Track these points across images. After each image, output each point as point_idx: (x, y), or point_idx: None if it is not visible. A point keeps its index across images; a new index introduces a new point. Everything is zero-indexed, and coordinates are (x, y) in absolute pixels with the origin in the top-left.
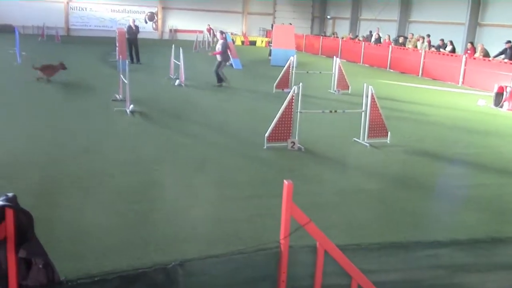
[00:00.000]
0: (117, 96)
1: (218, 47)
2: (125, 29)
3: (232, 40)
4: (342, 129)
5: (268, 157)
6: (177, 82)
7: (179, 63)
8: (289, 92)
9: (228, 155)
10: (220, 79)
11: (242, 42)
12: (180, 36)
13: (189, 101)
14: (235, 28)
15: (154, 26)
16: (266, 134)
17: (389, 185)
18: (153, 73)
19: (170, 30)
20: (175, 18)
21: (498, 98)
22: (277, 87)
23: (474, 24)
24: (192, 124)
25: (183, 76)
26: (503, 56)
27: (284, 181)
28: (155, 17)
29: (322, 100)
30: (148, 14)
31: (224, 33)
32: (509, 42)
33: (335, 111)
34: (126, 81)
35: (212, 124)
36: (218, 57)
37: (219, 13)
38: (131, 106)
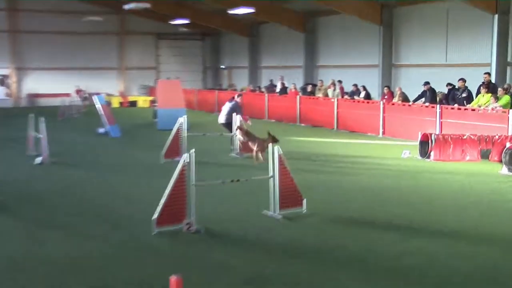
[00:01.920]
0: None
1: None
2: None
3: (107, 102)
4: (249, 201)
5: (158, 246)
6: (38, 160)
7: (40, 135)
8: (179, 162)
9: (108, 250)
10: None
11: (121, 104)
12: (43, 102)
13: (56, 182)
14: (110, 87)
15: (7, 92)
16: (154, 217)
17: (306, 266)
18: (6, 151)
19: (28, 96)
20: (34, 80)
21: (424, 147)
22: (166, 156)
23: (388, 65)
24: (60, 213)
25: (46, 152)
26: (423, 99)
27: (171, 277)
28: (8, 81)
29: (223, 168)
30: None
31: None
32: (427, 83)
33: (237, 180)
34: None
35: (87, 210)
36: None
37: (90, 71)
38: None
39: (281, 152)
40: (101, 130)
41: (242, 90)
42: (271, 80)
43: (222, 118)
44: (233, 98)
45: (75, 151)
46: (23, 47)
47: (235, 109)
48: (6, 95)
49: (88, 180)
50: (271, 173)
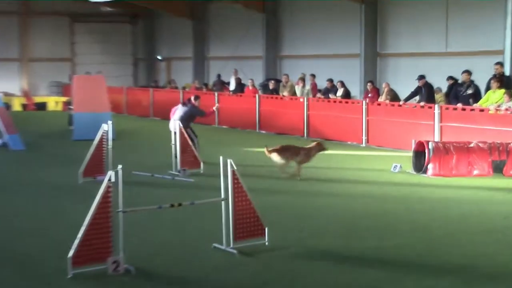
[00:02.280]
0: None
1: None
2: None
3: (6, 104)
4: (194, 232)
5: None
6: None
7: None
8: (103, 181)
9: None
10: None
11: (24, 106)
12: None
13: None
14: (10, 84)
15: None
16: (70, 255)
17: None
18: None
19: None
20: None
21: (419, 159)
22: (85, 174)
23: (372, 54)
24: None
25: None
26: (417, 98)
27: None
28: None
29: (161, 189)
30: None
31: None
32: (422, 77)
33: (179, 205)
34: None
35: None
36: None
37: None
38: None
39: (235, 168)
40: None
41: (184, 88)
42: (218, 75)
43: (175, 126)
44: (189, 100)
45: None
46: None
47: (193, 114)
48: None
49: None
50: (223, 195)
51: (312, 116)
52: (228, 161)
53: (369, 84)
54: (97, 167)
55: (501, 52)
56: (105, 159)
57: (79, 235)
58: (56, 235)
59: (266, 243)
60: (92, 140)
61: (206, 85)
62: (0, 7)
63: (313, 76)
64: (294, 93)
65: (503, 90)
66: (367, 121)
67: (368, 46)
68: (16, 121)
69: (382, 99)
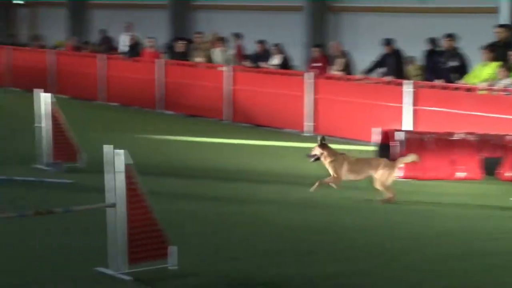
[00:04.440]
0: None
1: None
2: None
3: None
4: (70, 250)
5: None
6: None
7: None
8: None
9: None
10: None
11: None
12: None
13: None
14: None
15: None
16: None
17: None
18: None
19: None
20: None
21: (385, 154)
22: None
23: (321, 8)
24: None
25: None
26: (382, 70)
27: None
28: None
29: (22, 188)
30: None
31: None
32: (389, 42)
33: (50, 212)
34: None
35: None
36: None
37: None
38: None
39: (131, 162)
40: None
41: (56, 47)
42: (103, 31)
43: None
44: None
45: None
46: None
47: None
48: None
49: None
50: (110, 200)
51: (237, 92)
52: (119, 152)
53: (316, 49)
54: None
55: (495, 10)
56: None
57: None
58: None
59: (171, 267)
60: None
61: (87, 43)
62: None
63: (238, 36)
64: (211, 59)
65: (497, 63)
66: (315, 101)
67: None
68: None
69: (334, 70)
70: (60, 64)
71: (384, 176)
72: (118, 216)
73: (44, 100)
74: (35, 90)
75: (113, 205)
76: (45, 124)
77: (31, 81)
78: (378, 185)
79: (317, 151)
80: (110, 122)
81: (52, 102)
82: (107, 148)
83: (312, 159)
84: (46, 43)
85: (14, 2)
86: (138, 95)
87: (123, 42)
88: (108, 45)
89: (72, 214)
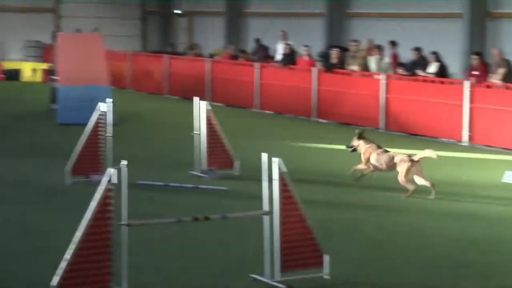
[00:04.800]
0: None
1: None
2: None
3: None
4: (225, 256)
5: None
6: None
7: None
8: (99, 183)
9: None
10: None
11: None
12: None
13: None
14: None
15: None
16: (54, 283)
17: None
18: None
19: None
20: None
21: None
22: (74, 172)
23: (478, 14)
24: None
25: None
26: None
27: None
28: None
29: (180, 195)
30: None
31: None
32: None
33: (206, 218)
34: None
35: None
36: None
37: None
38: None
39: (285, 170)
40: None
41: (213, 55)
42: (257, 40)
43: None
44: None
45: None
46: None
47: None
48: None
49: None
50: (266, 207)
51: (391, 100)
52: (274, 160)
53: (475, 57)
54: (91, 163)
55: None
56: (103, 153)
57: (67, 256)
58: (36, 257)
59: (325, 277)
60: (84, 124)
61: (243, 52)
62: None
63: (394, 43)
64: (366, 68)
65: None
66: (471, 110)
67: (476, 3)
68: None
69: (494, 79)
70: (216, 73)
71: (404, 171)
72: (273, 223)
73: (201, 108)
74: (194, 98)
75: (269, 213)
76: (201, 131)
77: (187, 89)
78: (400, 179)
79: (355, 142)
80: (264, 130)
81: (208, 110)
82: (264, 156)
83: (351, 149)
84: (203, 51)
85: (174, 12)
86: (293, 103)
87: (279, 50)
88: (263, 54)
89: (228, 220)
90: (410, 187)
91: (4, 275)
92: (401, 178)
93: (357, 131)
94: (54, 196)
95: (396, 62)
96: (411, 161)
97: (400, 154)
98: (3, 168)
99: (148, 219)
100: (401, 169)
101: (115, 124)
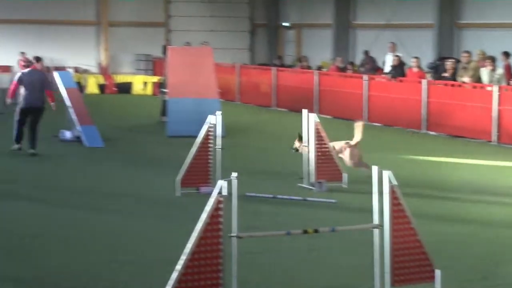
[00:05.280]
0: None
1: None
2: None
3: (78, 84)
4: (335, 269)
5: None
6: None
7: None
8: (210, 195)
9: None
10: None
11: (101, 88)
12: None
13: None
14: (83, 57)
15: None
16: None
17: None
18: None
19: None
20: None
21: None
22: (184, 183)
23: None
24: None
25: None
26: None
27: None
28: None
29: (288, 207)
30: None
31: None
32: None
33: (315, 231)
34: None
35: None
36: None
37: (45, 26)
38: None
39: (395, 183)
40: (67, 134)
41: (321, 68)
42: (366, 52)
43: (31, 101)
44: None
45: (20, 171)
46: None
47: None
48: None
49: (46, 225)
50: (376, 221)
51: (505, 113)
52: (385, 173)
53: None
54: (200, 174)
55: None
56: (212, 165)
57: (178, 267)
58: (147, 267)
59: None
60: (194, 137)
61: (351, 64)
62: None
63: (508, 54)
64: (479, 79)
65: None
66: None
67: None
68: (92, 108)
69: None
70: (324, 85)
71: (348, 155)
72: (383, 237)
73: (309, 120)
74: (303, 110)
75: (379, 226)
76: (310, 143)
77: (294, 102)
78: (349, 164)
79: (297, 144)
80: (372, 143)
81: (317, 122)
82: (374, 169)
83: (294, 151)
84: (310, 64)
85: (282, 24)
86: (401, 116)
87: (388, 62)
88: (371, 65)
89: (338, 233)
90: (362, 166)
91: (115, 284)
92: (349, 162)
93: (298, 132)
94: (165, 207)
95: (510, 74)
96: (350, 146)
97: (338, 142)
98: (115, 179)
99: (256, 231)
100: (345, 155)
101: (223, 136)
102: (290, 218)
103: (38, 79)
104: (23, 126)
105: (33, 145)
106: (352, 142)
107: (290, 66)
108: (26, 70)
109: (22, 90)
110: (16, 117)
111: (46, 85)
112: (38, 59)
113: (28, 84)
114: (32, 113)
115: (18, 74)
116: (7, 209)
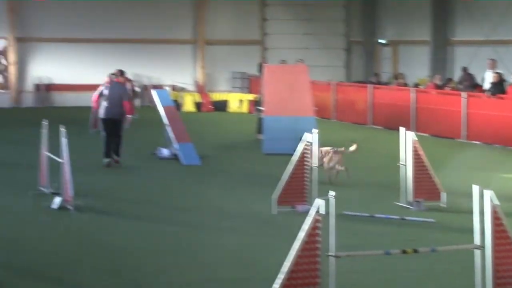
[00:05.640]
0: None
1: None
2: None
3: (175, 102)
4: None
5: None
6: (57, 201)
7: (61, 160)
8: (306, 213)
9: None
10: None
11: (198, 106)
12: (62, 99)
13: (88, 247)
14: (180, 75)
15: (0, 79)
16: None
17: None
18: (2, 185)
19: (38, 88)
20: (49, 60)
21: None
22: (280, 201)
23: None
24: None
25: (69, 190)
26: None
27: None
28: (1, 61)
29: (384, 226)
30: None
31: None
32: None
33: (414, 251)
34: None
35: None
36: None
37: (142, 45)
38: None
39: (497, 203)
40: (165, 152)
41: (418, 85)
42: (464, 68)
43: (110, 112)
44: (118, 76)
45: (118, 188)
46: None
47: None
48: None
49: (144, 239)
50: (477, 241)
51: None
52: (486, 193)
53: None
54: (297, 192)
55: None
56: (308, 183)
57: (275, 286)
58: (243, 285)
59: None
60: (289, 154)
61: (449, 81)
62: None
63: None
64: None
65: None
66: None
67: None
68: (188, 126)
69: None
70: (421, 102)
71: (327, 159)
72: (485, 258)
73: (407, 138)
74: (400, 128)
75: (481, 247)
76: (407, 162)
77: (391, 119)
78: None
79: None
80: (472, 161)
81: (414, 140)
82: (475, 188)
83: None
84: (407, 81)
85: (379, 41)
86: (503, 134)
87: (487, 79)
88: (470, 82)
89: (438, 254)
90: (334, 171)
91: None
92: (325, 165)
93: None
94: (261, 225)
95: None
96: (336, 151)
97: (326, 148)
98: (211, 197)
99: (353, 250)
100: (326, 158)
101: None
102: (388, 238)
103: (118, 92)
104: (110, 140)
105: (117, 153)
106: (341, 149)
107: (386, 83)
108: (109, 84)
109: (103, 103)
110: (102, 131)
111: (124, 97)
112: (121, 72)
113: (108, 97)
114: (112, 124)
115: (100, 88)
116: (105, 224)
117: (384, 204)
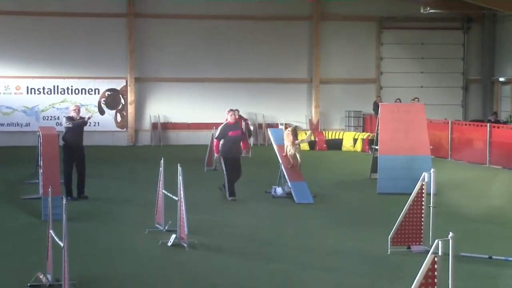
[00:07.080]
0: None
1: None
2: (59, 129)
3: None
4: None
5: None
6: (172, 239)
7: (175, 198)
8: (422, 254)
9: None
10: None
11: (312, 145)
12: (176, 138)
13: (200, 285)
14: (294, 114)
15: (118, 118)
16: None
17: None
18: (117, 222)
19: (155, 126)
20: (166, 99)
21: None
22: (395, 242)
23: None
24: None
25: (185, 228)
26: None
27: None
28: (121, 100)
29: (503, 270)
30: (107, 95)
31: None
32: None
33: None
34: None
35: None
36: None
37: (258, 84)
38: None
39: None
40: (278, 190)
41: None
42: None
43: (230, 150)
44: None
45: (232, 225)
46: (145, 42)
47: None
48: (118, 125)
49: (256, 280)
50: None
51: None
52: None
53: None
54: (412, 233)
55: None
56: (424, 223)
57: None
58: None
59: None
60: (404, 194)
61: None
62: (279, 10)
63: None
64: None
65: None
66: None
67: None
68: (302, 164)
69: None
70: None
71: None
72: None
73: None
74: None
75: None
76: None
77: (509, 159)
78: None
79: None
80: None
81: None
82: None
83: None
84: None
85: (498, 79)
86: None
87: None
88: None
89: None
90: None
91: None
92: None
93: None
94: (376, 265)
95: None
96: (292, 143)
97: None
98: (324, 236)
99: None
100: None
101: (435, 194)
102: (508, 281)
103: (238, 131)
104: (233, 177)
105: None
106: (296, 142)
107: (505, 122)
108: (231, 123)
109: (222, 141)
110: (224, 170)
111: (242, 136)
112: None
113: (230, 139)
114: (232, 161)
115: (219, 129)
116: (218, 262)
117: (504, 246)
